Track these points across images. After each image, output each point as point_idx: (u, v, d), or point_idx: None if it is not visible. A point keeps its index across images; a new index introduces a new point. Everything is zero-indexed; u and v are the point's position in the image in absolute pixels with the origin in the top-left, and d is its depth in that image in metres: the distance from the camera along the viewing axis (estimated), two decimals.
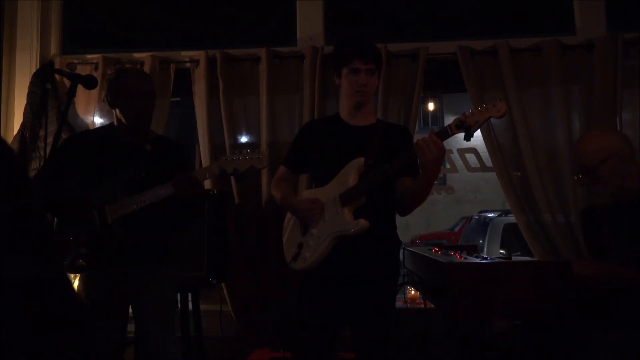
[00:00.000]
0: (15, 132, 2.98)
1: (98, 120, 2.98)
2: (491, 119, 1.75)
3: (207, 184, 2.78)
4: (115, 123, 2.06)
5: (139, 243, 1.92)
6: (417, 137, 2.03)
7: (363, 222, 1.77)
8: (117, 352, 2.00)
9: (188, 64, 2.99)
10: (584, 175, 1.93)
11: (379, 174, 1.77)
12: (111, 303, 1.96)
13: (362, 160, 1.82)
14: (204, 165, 2.86)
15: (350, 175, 1.82)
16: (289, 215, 2.01)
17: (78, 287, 2.02)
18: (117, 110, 2.01)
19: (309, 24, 3.07)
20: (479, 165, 3.05)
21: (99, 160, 1.98)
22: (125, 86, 1.97)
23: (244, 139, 2.99)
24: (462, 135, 1.72)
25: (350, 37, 2.85)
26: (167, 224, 2.06)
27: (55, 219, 2.05)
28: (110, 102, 2.00)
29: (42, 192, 2.01)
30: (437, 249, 2.37)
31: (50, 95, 2.94)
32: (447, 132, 1.74)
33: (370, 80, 1.92)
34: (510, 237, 6.62)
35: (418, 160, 1.74)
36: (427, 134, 1.74)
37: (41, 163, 2.89)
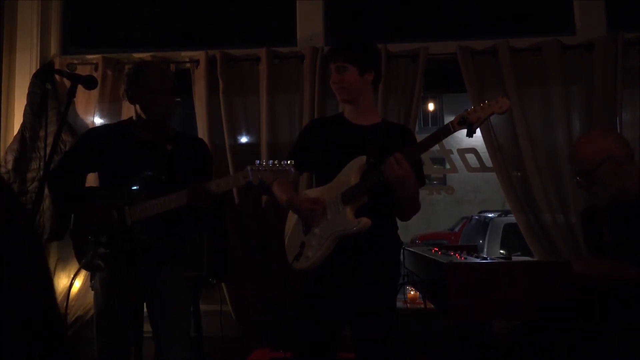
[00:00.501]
0: (15, 132, 2.98)
1: (98, 121, 2.98)
2: (492, 119, 1.74)
3: None
4: (134, 118, 2.04)
5: (158, 245, 1.92)
6: (417, 138, 2.03)
7: (365, 221, 1.76)
8: (128, 352, 2.01)
9: (188, 64, 2.99)
10: (582, 178, 1.93)
11: (380, 173, 1.77)
12: (126, 302, 1.96)
13: (363, 158, 1.81)
14: None
15: (351, 174, 1.82)
16: (291, 214, 2.01)
17: (94, 285, 2.02)
18: (137, 106, 1.99)
19: (309, 24, 3.07)
20: (479, 166, 3.04)
21: (118, 157, 1.97)
22: (146, 82, 1.95)
23: (244, 139, 2.99)
24: (462, 135, 1.72)
25: (347, 36, 2.86)
26: (186, 226, 2.05)
27: (72, 216, 2.05)
28: (130, 97, 1.98)
29: (59, 186, 2.01)
30: (437, 249, 2.37)
31: (50, 95, 2.94)
32: (450, 129, 1.73)
33: (341, 78, 1.90)
34: (510, 237, 6.62)
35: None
36: (428, 134, 1.74)
37: (41, 163, 2.89)
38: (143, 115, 1.98)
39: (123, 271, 1.95)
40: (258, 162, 1.77)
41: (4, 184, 0.61)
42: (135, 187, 1.91)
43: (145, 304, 2.05)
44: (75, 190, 2.04)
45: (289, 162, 1.76)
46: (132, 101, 1.99)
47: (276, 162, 1.77)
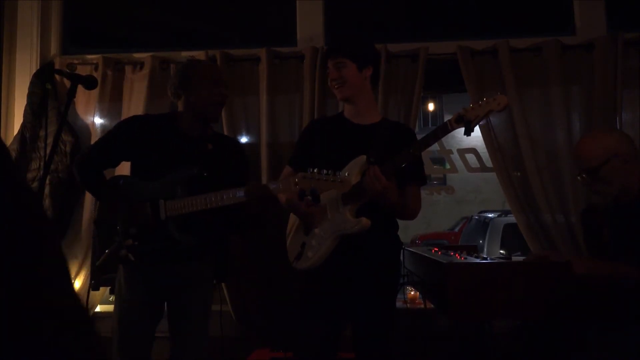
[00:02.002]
0: (15, 132, 2.98)
1: (98, 121, 2.98)
2: (491, 118, 1.74)
3: None
4: (181, 111, 2.02)
5: (192, 243, 1.89)
6: (418, 137, 2.03)
7: (365, 221, 1.76)
8: (149, 350, 1.98)
9: None
10: (587, 176, 1.93)
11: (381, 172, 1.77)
12: (151, 298, 1.94)
13: (364, 158, 1.80)
14: None
15: (352, 173, 1.81)
16: (293, 216, 2.01)
17: (118, 278, 1.98)
18: (191, 98, 1.97)
19: (309, 24, 3.07)
20: (479, 166, 3.04)
21: (158, 149, 1.95)
22: (204, 74, 1.97)
23: (244, 139, 2.99)
24: (462, 135, 1.71)
25: (346, 35, 2.84)
26: (224, 228, 2.04)
27: (98, 203, 2.04)
28: (183, 90, 1.97)
29: (89, 171, 1.99)
30: (437, 249, 2.36)
31: (50, 95, 2.94)
32: (448, 128, 1.72)
33: (340, 74, 1.89)
34: (510, 237, 6.62)
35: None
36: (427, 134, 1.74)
37: (41, 163, 2.89)
38: (196, 108, 1.97)
39: (149, 267, 1.91)
40: (310, 170, 1.68)
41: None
42: (174, 183, 1.88)
43: (169, 301, 2.02)
44: (104, 178, 2.03)
45: (346, 174, 1.67)
46: (188, 92, 1.97)
47: (330, 172, 1.66)
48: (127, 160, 2.07)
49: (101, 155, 2.01)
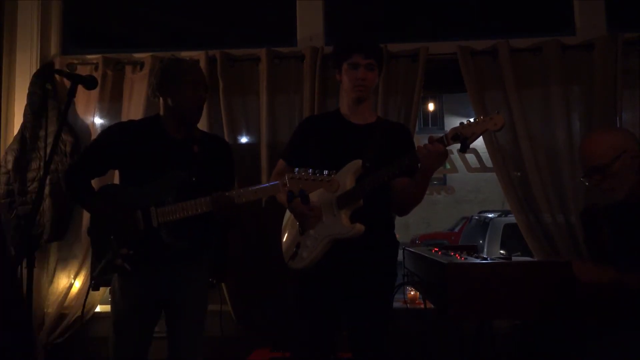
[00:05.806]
0: (15, 132, 2.98)
1: (98, 121, 2.99)
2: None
3: None
4: (162, 114, 2.01)
5: (185, 246, 1.90)
6: (417, 138, 2.04)
7: (359, 227, 1.77)
8: (146, 353, 1.98)
9: None
10: (596, 175, 1.90)
11: (376, 179, 1.77)
12: (147, 305, 1.94)
13: (359, 162, 1.81)
14: None
15: (347, 177, 1.81)
16: (287, 213, 2.01)
17: (112, 284, 1.98)
18: (168, 101, 1.96)
19: (309, 24, 3.07)
20: (479, 166, 3.05)
21: (145, 155, 1.94)
22: (184, 74, 1.95)
23: (244, 139, 2.99)
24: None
25: (352, 34, 2.84)
26: (215, 230, 2.05)
27: (90, 215, 2.04)
28: (163, 90, 1.96)
29: (76, 183, 1.98)
30: (437, 249, 2.37)
31: (50, 95, 2.94)
32: (444, 143, 1.72)
33: (370, 76, 1.91)
34: (510, 237, 6.62)
35: (419, 165, 1.73)
36: (427, 138, 1.74)
37: (41, 163, 2.89)
38: (174, 111, 1.96)
39: (144, 272, 1.91)
40: (297, 170, 1.69)
41: None
42: (163, 189, 1.89)
43: (166, 304, 2.02)
44: (92, 188, 2.02)
45: (330, 172, 1.67)
46: (166, 94, 1.96)
47: (317, 171, 1.67)
48: (114, 168, 2.07)
49: (88, 166, 2.00)
